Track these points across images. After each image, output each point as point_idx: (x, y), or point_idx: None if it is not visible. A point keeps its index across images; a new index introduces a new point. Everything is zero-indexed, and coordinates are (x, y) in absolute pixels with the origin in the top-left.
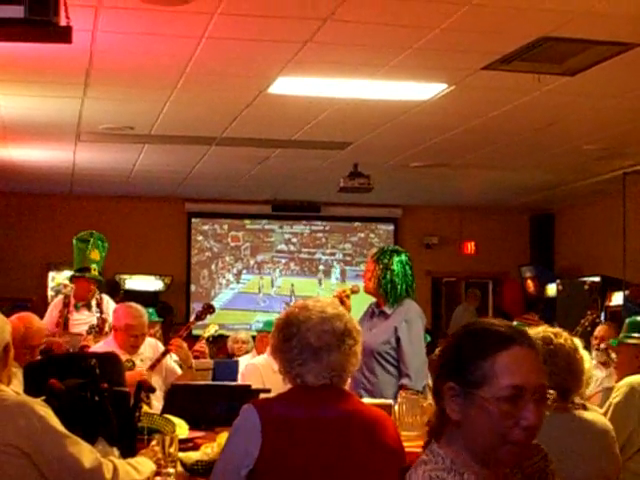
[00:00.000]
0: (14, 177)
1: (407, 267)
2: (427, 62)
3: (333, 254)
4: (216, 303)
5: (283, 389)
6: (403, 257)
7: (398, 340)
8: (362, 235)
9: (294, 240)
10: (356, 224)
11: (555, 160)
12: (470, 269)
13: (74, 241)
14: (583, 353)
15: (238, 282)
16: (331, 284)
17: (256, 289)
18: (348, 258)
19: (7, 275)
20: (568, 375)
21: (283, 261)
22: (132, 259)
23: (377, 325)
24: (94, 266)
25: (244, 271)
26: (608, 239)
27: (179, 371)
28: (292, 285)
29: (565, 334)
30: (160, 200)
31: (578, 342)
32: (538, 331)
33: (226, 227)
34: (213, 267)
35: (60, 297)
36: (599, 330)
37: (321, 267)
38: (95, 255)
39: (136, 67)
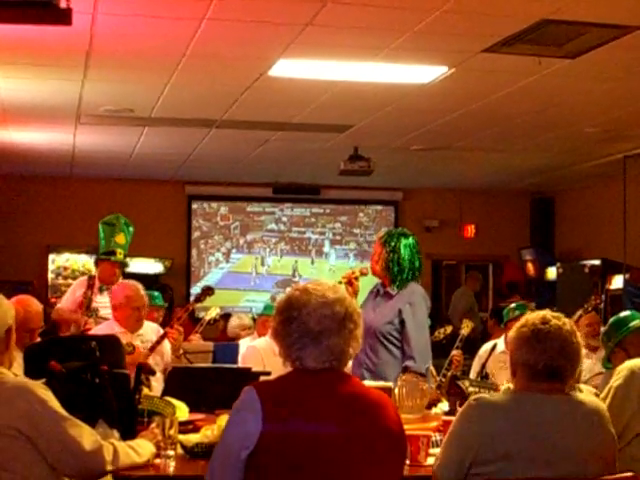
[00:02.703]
0: (14, 160)
1: (414, 251)
2: (427, 45)
3: (323, 233)
4: (205, 283)
5: (283, 372)
6: (410, 240)
7: (402, 322)
8: (351, 215)
9: (284, 219)
10: (354, 206)
11: (555, 143)
12: (470, 252)
13: (100, 224)
14: (581, 341)
15: (228, 261)
16: (323, 263)
17: (247, 268)
18: (337, 237)
19: (7, 258)
20: (560, 357)
21: (273, 240)
22: (132, 242)
23: (381, 305)
24: (120, 250)
25: (233, 250)
26: (609, 222)
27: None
28: (296, 262)
29: (565, 319)
30: (160, 183)
31: (577, 330)
32: (539, 313)
33: (226, 209)
34: (202, 246)
35: (84, 278)
36: (586, 318)
37: (310, 247)
38: (121, 239)
39: (136, 49)
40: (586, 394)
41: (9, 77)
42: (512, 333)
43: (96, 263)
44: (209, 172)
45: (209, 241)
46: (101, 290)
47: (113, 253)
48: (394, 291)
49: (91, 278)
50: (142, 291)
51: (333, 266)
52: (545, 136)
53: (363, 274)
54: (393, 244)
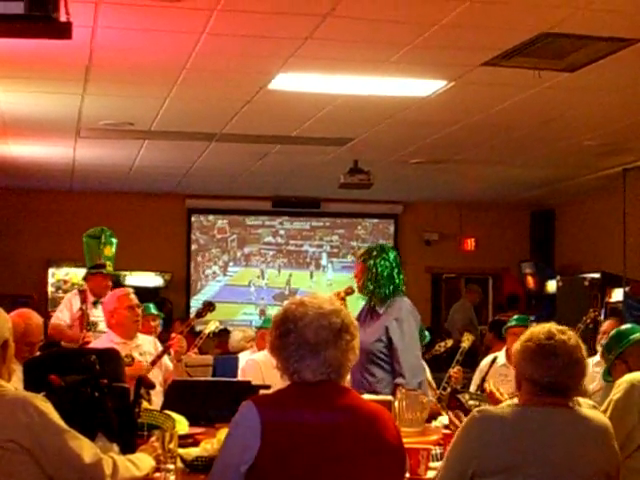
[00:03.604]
0: (14, 173)
1: (394, 265)
2: (427, 58)
3: (320, 246)
4: (202, 296)
5: (282, 385)
6: (390, 255)
7: (390, 340)
8: (350, 228)
9: (282, 232)
10: (353, 220)
11: (555, 156)
12: (470, 265)
13: (84, 238)
14: (586, 355)
15: (225, 274)
16: (321, 276)
17: (244, 281)
18: (335, 250)
19: (7, 271)
20: (565, 374)
21: (271, 253)
22: (132, 255)
23: (370, 325)
24: (109, 262)
25: (230, 263)
26: (608, 235)
27: (171, 367)
28: (290, 275)
29: (570, 332)
30: (160, 196)
31: (582, 344)
32: (544, 326)
33: (224, 222)
34: (199, 259)
35: (74, 292)
36: (606, 325)
37: (308, 260)
38: (108, 251)
39: (136, 63)
40: (590, 409)
41: (9, 91)
42: (517, 346)
43: (85, 277)
44: (209, 185)
45: (206, 254)
46: (95, 304)
47: (103, 266)
48: (381, 309)
49: (82, 292)
50: (132, 293)
51: (330, 280)
52: (545, 149)
53: (348, 294)
54: (372, 262)
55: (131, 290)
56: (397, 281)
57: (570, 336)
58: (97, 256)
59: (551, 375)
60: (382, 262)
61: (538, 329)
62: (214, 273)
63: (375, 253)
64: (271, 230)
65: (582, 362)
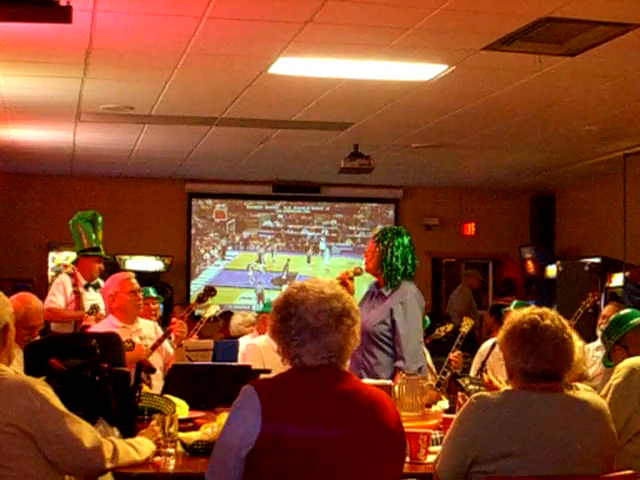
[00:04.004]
0: (14, 157)
1: (408, 250)
2: (428, 42)
3: (319, 230)
4: (200, 280)
5: (283, 370)
6: (405, 239)
7: (394, 322)
8: (350, 213)
9: (280, 217)
10: (354, 204)
11: (555, 141)
12: (470, 250)
13: (80, 221)
14: (572, 332)
15: (223, 259)
16: (319, 260)
17: (243, 266)
18: (334, 235)
19: (7, 255)
20: (555, 358)
21: (269, 237)
22: (132, 240)
23: (375, 306)
24: (101, 246)
25: (229, 247)
26: (608, 220)
27: (172, 352)
28: (288, 260)
29: (552, 313)
30: (160, 180)
31: (565, 321)
32: (524, 313)
33: (222, 206)
34: (197, 243)
35: (64, 276)
36: (607, 309)
37: (307, 244)
38: (100, 235)
39: (136, 47)
40: (586, 391)
41: (9, 75)
42: (502, 337)
43: (76, 260)
44: (209, 170)
45: (204, 238)
46: (88, 287)
47: (98, 249)
48: (387, 292)
49: (73, 276)
50: (134, 278)
51: (327, 265)
52: (545, 134)
53: (357, 274)
54: (387, 242)
55: (133, 274)
56: (409, 266)
57: (552, 317)
58: (92, 239)
59: (542, 362)
60: (397, 245)
61: (518, 317)
62: (212, 257)
63: (390, 235)
64: (270, 214)
65: (570, 340)
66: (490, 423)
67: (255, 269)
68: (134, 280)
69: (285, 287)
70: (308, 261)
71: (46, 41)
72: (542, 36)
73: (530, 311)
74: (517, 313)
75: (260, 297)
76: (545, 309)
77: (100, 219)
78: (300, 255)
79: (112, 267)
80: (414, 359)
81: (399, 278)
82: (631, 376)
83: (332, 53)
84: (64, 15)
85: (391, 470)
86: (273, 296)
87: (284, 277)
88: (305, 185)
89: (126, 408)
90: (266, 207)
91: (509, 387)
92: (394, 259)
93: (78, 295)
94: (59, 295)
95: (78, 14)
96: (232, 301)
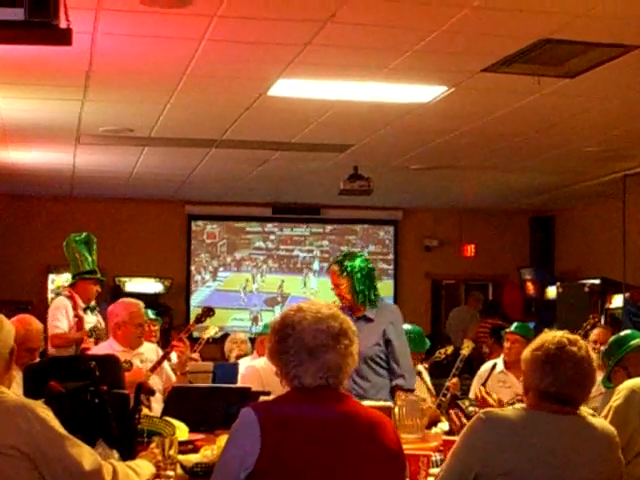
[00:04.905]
0: (14, 179)
1: (365, 267)
2: (427, 64)
3: (311, 251)
4: (192, 302)
5: (282, 392)
6: (358, 260)
7: (387, 342)
8: (349, 234)
9: (272, 238)
10: (353, 226)
11: (555, 162)
12: (470, 271)
13: (74, 243)
14: (597, 367)
15: (214, 280)
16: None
17: (236, 286)
18: (326, 255)
19: (7, 277)
20: (573, 384)
21: (261, 258)
22: (132, 262)
23: (362, 330)
24: (97, 268)
25: (220, 269)
26: (608, 241)
27: (173, 378)
28: (282, 281)
29: (582, 343)
30: (160, 202)
31: (594, 355)
32: (555, 335)
33: (213, 227)
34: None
35: (64, 299)
36: (596, 334)
37: (299, 265)
38: (95, 257)
39: (136, 69)
40: (598, 419)
41: (9, 97)
42: (527, 355)
43: (73, 283)
44: (209, 192)
45: (195, 259)
46: (87, 310)
47: (95, 272)
48: (372, 314)
49: (71, 298)
50: (141, 306)
51: (313, 288)
52: (545, 155)
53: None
54: (349, 270)
55: (142, 304)
56: (370, 284)
57: (581, 346)
58: (90, 261)
59: (557, 385)
60: (357, 269)
61: (549, 337)
62: (203, 278)
63: (347, 262)
64: (262, 235)
65: (591, 374)
66: (497, 439)
67: (247, 290)
68: (143, 311)
69: (279, 308)
70: (304, 285)
71: (46, 63)
72: (541, 58)
73: (562, 334)
74: (549, 334)
75: (255, 319)
76: (577, 337)
77: (95, 240)
78: (293, 276)
79: (114, 290)
80: (412, 375)
81: (374, 298)
82: (632, 397)
83: (331, 75)
84: (64, 37)
85: None
86: (266, 317)
87: (278, 298)
88: (305, 207)
89: (126, 430)
90: (265, 229)
91: (516, 406)
92: (362, 285)
93: (80, 319)
94: (63, 319)
95: (78, 36)
96: (224, 322)
